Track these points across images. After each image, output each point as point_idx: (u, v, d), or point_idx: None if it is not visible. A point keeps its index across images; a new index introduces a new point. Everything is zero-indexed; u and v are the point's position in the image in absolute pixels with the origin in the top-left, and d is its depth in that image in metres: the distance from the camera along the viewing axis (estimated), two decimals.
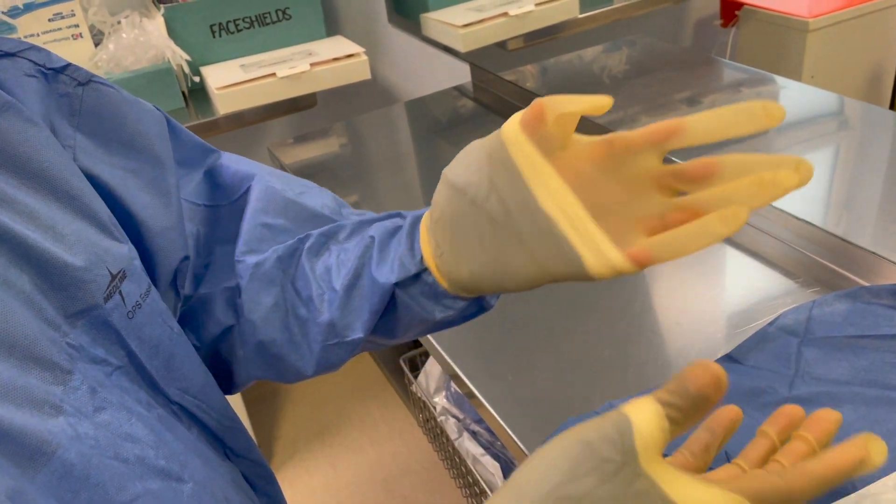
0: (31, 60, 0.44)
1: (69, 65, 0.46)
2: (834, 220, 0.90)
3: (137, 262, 0.45)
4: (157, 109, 0.52)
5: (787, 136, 1.18)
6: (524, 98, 1.38)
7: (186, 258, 0.50)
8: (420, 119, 1.47)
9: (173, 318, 0.47)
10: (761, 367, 0.71)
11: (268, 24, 1.36)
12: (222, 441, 0.49)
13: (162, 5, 1.28)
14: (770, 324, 0.75)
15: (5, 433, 0.32)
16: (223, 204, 0.55)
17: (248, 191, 0.54)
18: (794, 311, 0.76)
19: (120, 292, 0.42)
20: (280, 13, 1.37)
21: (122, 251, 0.43)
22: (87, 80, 0.46)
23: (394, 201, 1.22)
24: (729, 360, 0.73)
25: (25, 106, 0.42)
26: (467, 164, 0.45)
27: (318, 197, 0.56)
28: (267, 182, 0.55)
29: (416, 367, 1.24)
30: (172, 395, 0.45)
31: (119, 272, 0.42)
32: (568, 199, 0.41)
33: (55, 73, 0.45)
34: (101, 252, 0.41)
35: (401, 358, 1.24)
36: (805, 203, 0.93)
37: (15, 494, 0.31)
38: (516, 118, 0.43)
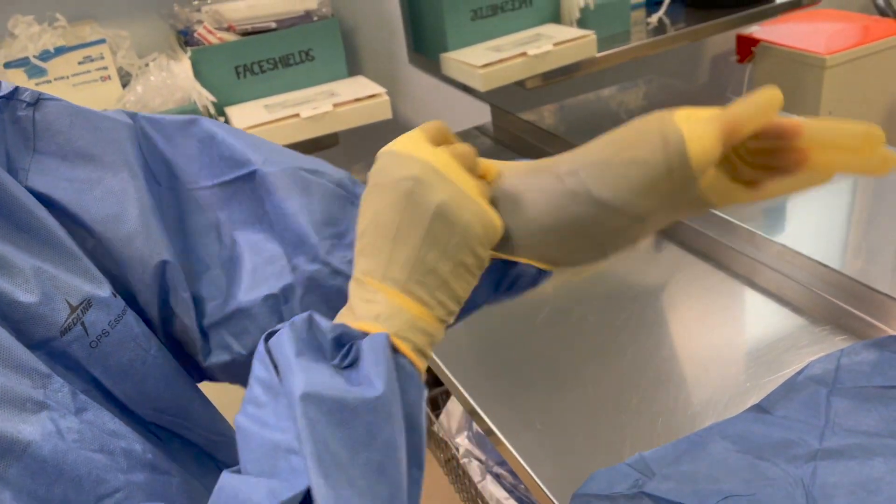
0: None
1: (16, 88, 0.47)
2: (857, 265, 0.91)
3: (103, 292, 0.44)
4: (125, 116, 0.51)
5: None
6: (542, 137, 1.40)
7: (165, 262, 0.48)
8: None
9: (151, 338, 0.47)
10: (791, 417, 0.71)
11: (291, 65, 1.39)
12: (211, 456, 0.50)
13: (189, 48, 1.31)
14: (798, 373, 0.75)
15: None
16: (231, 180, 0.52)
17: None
18: (822, 360, 0.76)
19: (82, 323, 0.42)
20: (303, 54, 1.39)
21: (89, 282, 0.44)
22: (35, 100, 0.47)
23: None
24: (758, 410, 0.73)
25: None
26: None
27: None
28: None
29: (437, 407, 1.24)
30: (146, 416, 0.46)
31: (82, 302, 0.42)
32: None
33: (6, 101, 0.47)
34: (61, 285, 0.42)
35: None
36: (827, 247, 0.94)
37: None
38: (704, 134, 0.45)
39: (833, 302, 0.86)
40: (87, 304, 0.43)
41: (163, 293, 0.49)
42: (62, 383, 0.39)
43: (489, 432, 0.80)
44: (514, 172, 0.49)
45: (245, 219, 0.52)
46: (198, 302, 0.51)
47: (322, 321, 0.39)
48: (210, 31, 1.30)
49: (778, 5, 1.64)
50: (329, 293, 0.49)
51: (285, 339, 0.38)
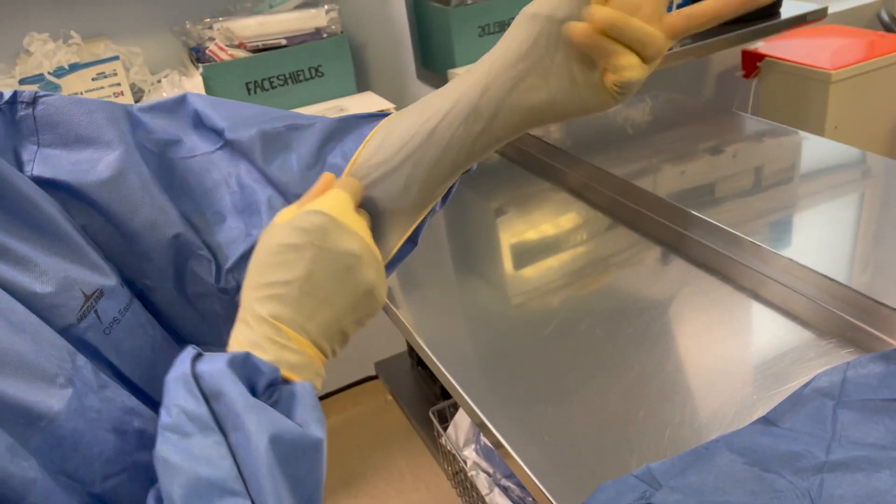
0: None
1: (14, 93, 0.50)
2: (863, 279, 0.91)
3: (114, 282, 0.48)
4: (112, 103, 0.54)
5: (810, 187, 1.19)
6: (548, 151, 1.41)
7: (177, 234, 0.52)
8: None
9: (155, 325, 0.51)
10: (797, 429, 0.72)
11: (301, 81, 1.41)
12: None
13: (200, 64, 1.33)
14: (805, 386, 0.75)
15: (5, 404, 0.36)
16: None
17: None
18: (828, 372, 0.76)
19: (96, 311, 0.45)
20: (313, 71, 1.41)
21: (99, 274, 0.47)
22: (32, 99, 0.51)
23: (420, 245, 1.24)
24: (765, 422, 0.73)
25: None
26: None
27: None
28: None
29: (444, 419, 1.25)
30: (158, 398, 0.47)
31: (94, 292, 0.46)
32: None
33: (8, 106, 0.50)
34: (73, 276, 0.45)
35: (430, 410, 1.24)
36: (833, 261, 0.94)
37: (14, 449, 0.36)
38: None
39: (839, 315, 0.86)
40: (99, 293, 0.46)
41: (179, 259, 0.53)
42: (86, 361, 0.42)
43: (497, 445, 0.81)
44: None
45: (249, 171, 0.56)
46: (216, 251, 0.54)
47: (261, 362, 0.41)
48: (221, 48, 1.32)
49: (783, 21, 1.65)
50: None
51: (227, 377, 0.38)
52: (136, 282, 0.53)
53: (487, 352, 0.95)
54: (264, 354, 0.42)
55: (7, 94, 0.50)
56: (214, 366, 0.39)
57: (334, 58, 1.41)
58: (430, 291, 1.11)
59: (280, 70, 1.38)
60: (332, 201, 0.47)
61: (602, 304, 0.99)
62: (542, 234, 1.22)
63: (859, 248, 1.00)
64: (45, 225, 0.46)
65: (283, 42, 1.35)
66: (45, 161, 0.50)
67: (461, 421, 1.19)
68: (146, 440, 0.43)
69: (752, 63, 1.80)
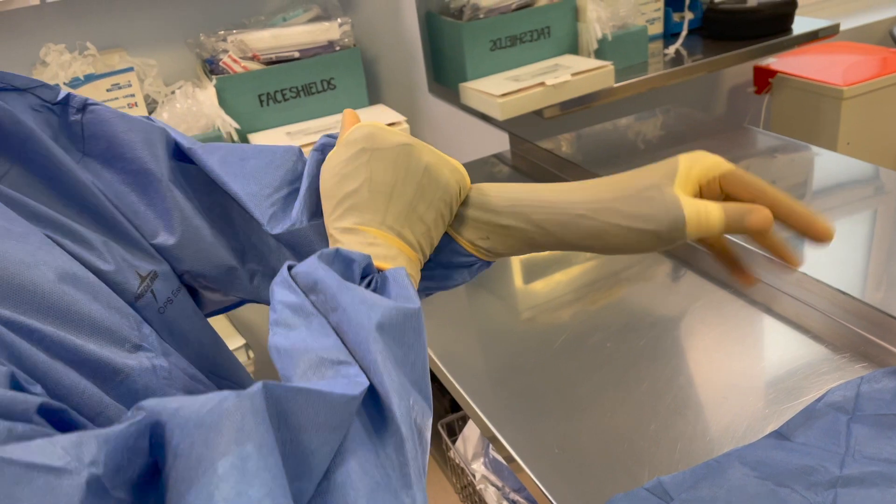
0: (39, 97, 0.51)
1: (69, 95, 0.52)
2: (877, 294, 0.90)
3: (166, 267, 0.50)
4: (150, 120, 0.55)
5: (822, 203, 1.19)
6: (560, 165, 1.41)
7: (233, 268, 0.54)
8: None
9: (200, 313, 0.54)
10: (811, 444, 0.71)
11: (313, 93, 1.41)
12: None
13: (214, 76, 1.34)
14: (818, 400, 0.75)
15: (86, 359, 0.39)
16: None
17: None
18: (841, 387, 0.75)
19: (152, 291, 0.48)
20: (325, 83, 1.42)
21: (151, 259, 0.50)
22: (83, 106, 0.52)
23: None
24: (778, 436, 0.72)
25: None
26: None
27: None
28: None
29: (453, 433, 1.24)
30: (209, 380, 0.50)
31: (149, 273, 0.48)
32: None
33: (61, 107, 0.51)
34: (129, 258, 0.47)
35: (439, 423, 1.24)
36: (846, 276, 0.93)
37: (100, 396, 0.39)
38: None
39: (853, 330, 0.85)
40: (154, 274, 0.48)
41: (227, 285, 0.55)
42: (151, 330, 0.44)
43: (509, 459, 0.80)
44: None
45: None
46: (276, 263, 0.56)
47: (351, 252, 0.43)
48: (235, 60, 1.33)
49: (795, 37, 1.65)
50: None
51: (320, 267, 0.41)
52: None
53: (498, 365, 0.95)
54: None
55: (61, 94, 0.51)
56: (307, 263, 0.41)
57: (346, 71, 1.42)
58: (440, 305, 1.11)
59: (293, 82, 1.39)
60: (366, 122, 0.51)
61: (613, 318, 0.99)
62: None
63: (873, 263, 0.99)
64: (101, 209, 0.48)
65: (296, 55, 1.36)
66: (87, 169, 0.51)
67: (470, 434, 1.18)
68: None
69: (763, 79, 1.80)
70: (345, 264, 0.42)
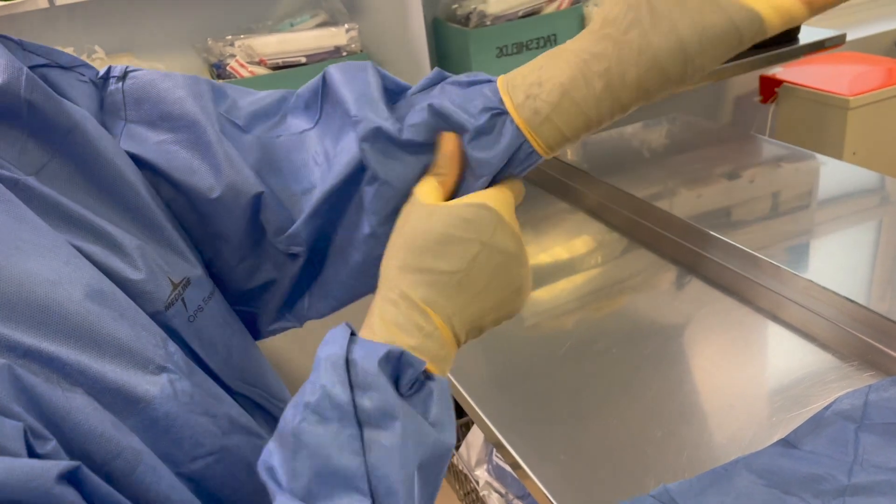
0: (82, 74, 0.50)
1: (109, 68, 0.51)
2: (884, 302, 0.90)
3: (199, 270, 0.49)
4: (197, 78, 0.53)
5: (828, 211, 1.19)
6: (566, 171, 1.41)
7: (259, 194, 0.50)
8: None
9: (232, 314, 0.52)
10: (819, 452, 0.70)
11: None
12: None
13: (221, 80, 1.34)
14: (826, 408, 0.74)
15: (106, 387, 0.38)
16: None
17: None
18: (849, 395, 0.75)
19: (182, 299, 0.46)
20: None
21: (186, 262, 0.48)
22: (123, 74, 0.51)
23: None
24: (785, 444, 0.72)
25: (82, 106, 0.47)
26: None
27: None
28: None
29: (456, 439, 1.24)
30: (235, 387, 0.49)
31: (182, 280, 0.47)
32: None
33: (102, 81, 0.51)
34: (164, 264, 0.46)
35: None
36: (852, 284, 0.93)
37: (118, 425, 0.38)
38: None
39: (860, 338, 0.85)
40: (186, 281, 0.47)
41: (255, 223, 0.52)
42: (176, 347, 0.43)
43: (514, 465, 0.80)
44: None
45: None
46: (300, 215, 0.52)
47: (413, 359, 0.41)
48: (242, 65, 1.34)
49: (801, 47, 1.65)
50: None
51: (379, 374, 0.39)
52: (211, 266, 0.53)
53: (503, 371, 0.95)
54: (409, 338, 0.42)
55: (101, 71, 0.51)
56: (369, 359, 0.39)
57: None
58: None
59: (298, 87, 1.39)
60: (499, 197, 0.46)
61: (618, 325, 0.98)
62: (558, 255, 1.22)
63: (878, 271, 0.99)
64: (139, 207, 0.47)
65: (303, 60, 1.36)
66: (131, 137, 0.50)
67: (474, 440, 1.18)
68: (234, 425, 0.44)
69: (769, 88, 1.81)
70: (402, 367, 0.40)
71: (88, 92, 0.50)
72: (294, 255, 0.53)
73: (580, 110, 0.46)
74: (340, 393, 0.38)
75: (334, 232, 0.53)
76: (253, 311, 0.57)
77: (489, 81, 0.49)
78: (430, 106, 0.48)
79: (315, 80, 0.54)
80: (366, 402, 0.38)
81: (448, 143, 0.48)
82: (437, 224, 0.45)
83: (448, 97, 0.49)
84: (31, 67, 0.47)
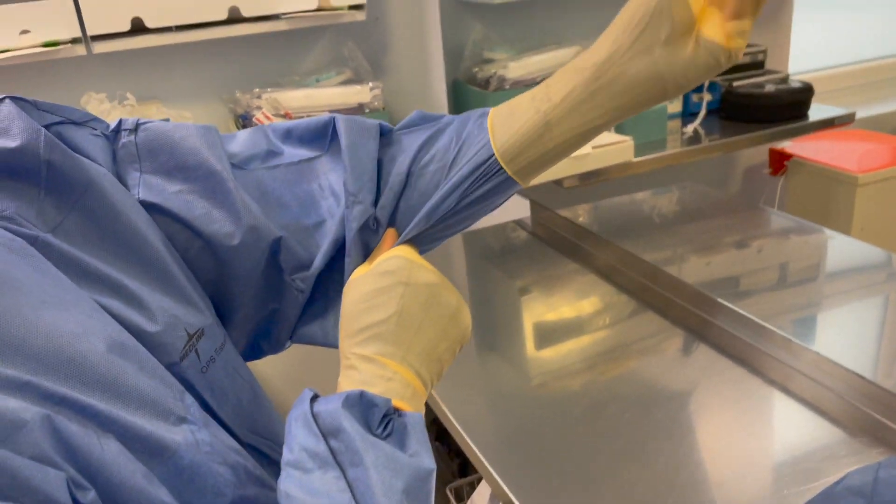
0: (93, 129, 0.52)
1: (120, 121, 0.53)
2: (891, 378, 0.91)
3: (211, 320, 0.51)
4: (208, 127, 0.56)
5: (835, 285, 1.20)
6: (578, 233, 1.43)
7: (278, 238, 0.55)
8: (476, 249, 1.52)
9: (241, 360, 0.54)
10: None
11: None
12: None
13: None
14: (836, 483, 0.74)
15: (136, 435, 0.39)
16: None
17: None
18: (859, 471, 0.75)
19: (196, 350, 0.48)
20: None
21: (199, 314, 0.49)
22: (135, 126, 0.53)
23: None
24: None
25: (97, 161, 0.49)
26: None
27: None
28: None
29: (461, 498, 1.23)
30: (245, 438, 0.50)
31: (197, 331, 0.48)
32: None
33: (114, 134, 0.53)
34: (181, 315, 0.48)
35: (447, 487, 1.23)
36: (860, 358, 0.94)
37: (149, 476, 0.39)
38: None
39: (869, 414, 0.86)
40: (201, 332, 0.48)
41: (272, 265, 0.55)
42: (192, 399, 0.44)
43: None
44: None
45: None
46: (315, 250, 0.56)
47: (374, 396, 0.44)
48: (267, 117, 1.37)
49: (811, 123, 1.69)
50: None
51: (344, 415, 0.42)
52: (219, 305, 0.55)
53: (512, 429, 0.95)
54: (373, 388, 0.45)
55: (113, 125, 0.53)
56: (331, 405, 0.42)
57: None
58: (451, 365, 1.11)
59: None
60: (405, 248, 0.52)
61: (629, 388, 0.99)
62: (567, 315, 1.23)
63: (885, 348, 1.00)
64: (154, 261, 0.48)
65: (327, 114, 1.40)
66: (149, 188, 0.52)
67: (479, 500, 1.17)
68: (249, 476, 0.46)
69: (779, 161, 1.84)
70: (367, 408, 0.43)
71: (101, 145, 0.52)
72: (301, 289, 0.57)
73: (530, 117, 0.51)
74: (314, 443, 0.41)
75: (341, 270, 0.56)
76: (258, 337, 0.60)
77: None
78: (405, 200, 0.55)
79: (316, 122, 0.58)
80: (337, 444, 0.41)
81: (387, 238, 0.55)
82: (362, 287, 0.50)
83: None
84: (47, 126, 0.48)
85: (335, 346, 0.58)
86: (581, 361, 1.08)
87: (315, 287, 0.57)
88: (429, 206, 0.53)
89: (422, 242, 0.55)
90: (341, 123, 0.56)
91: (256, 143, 0.58)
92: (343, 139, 0.55)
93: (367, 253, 0.56)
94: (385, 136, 0.57)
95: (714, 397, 0.96)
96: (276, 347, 0.61)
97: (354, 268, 0.54)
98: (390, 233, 0.55)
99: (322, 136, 0.58)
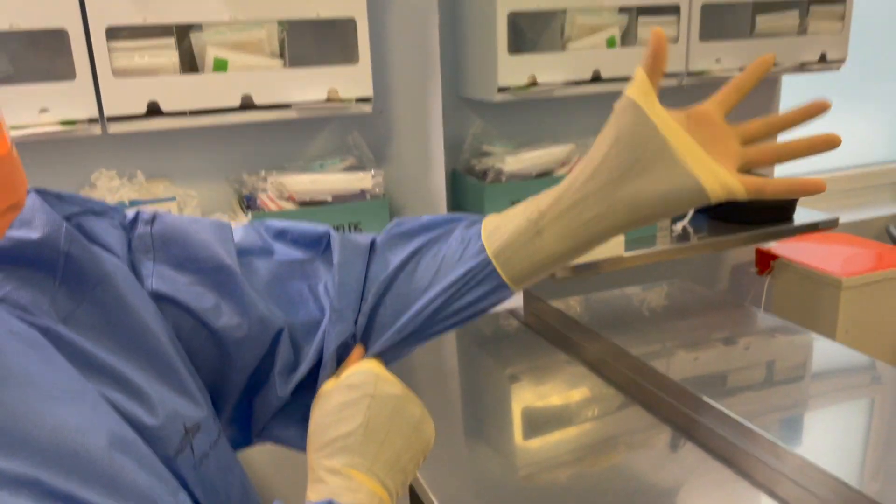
0: (112, 218, 0.55)
1: (138, 212, 0.56)
2: (874, 485, 0.92)
3: (206, 413, 0.52)
4: (221, 223, 0.59)
5: (821, 386, 1.22)
6: (569, 325, 1.46)
7: (281, 330, 0.57)
8: (469, 336, 1.55)
9: (233, 453, 0.55)
10: None
11: None
12: None
13: (250, 211, 1.42)
14: None
15: None
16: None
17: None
18: None
19: (191, 445, 0.49)
20: (352, 227, 1.50)
21: (198, 407, 0.51)
22: (152, 218, 0.56)
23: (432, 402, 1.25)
24: None
25: (114, 250, 0.52)
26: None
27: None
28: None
29: None
30: None
31: (194, 426, 0.49)
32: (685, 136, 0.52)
33: (131, 224, 0.56)
34: (180, 409, 0.49)
35: None
36: (846, 464, 0.95)
37: None
38: (637, 82, 0.53)
39: None
40: (197, 427, 0.50)
41: (269, 357, 0.57)
42: (186, 496, 0.45)
43: None
44: None
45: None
46: (300, 349, 0.59)
47: None
48: (272, 199, 1.42)
49: (796, 227, 1.75)
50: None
51: None
52: (215, 396, 0.57)
53: None
54: (342, 500, 0.47)
55: (131, 215, 0.56)
56: None
57: (374, 217, 1.51)
58: (438, 449, 1.12)
59: (323, 222, 1.47)
60: (371, 362, 0.55)
61: (616, 484, 0.99)
62: (556, 405, 1.24)
63: (870, 454, 1.01)
64: (158, 354, 0.50)
65: (329, 199, 1.45)
66: (162, 278, 0.54)
67: None
68: None
69: (765, 261, 1.89)
70: None
71: (119, 235, 0.54)
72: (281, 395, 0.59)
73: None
74: None
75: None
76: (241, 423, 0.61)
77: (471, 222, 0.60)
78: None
79: (312, 230, 0.62)
80: None
81: (355, 353, 0.58)
82: (330, 401, 0.53)
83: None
84: (69, 216, 0.51)
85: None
86: (568, 453, 1.08)
87: (296, 391, 0.59)
88: (402, 322, 0.57)
89: (389, 355, 0.59)
90: (335, 240, 0.60)
91: (251, 238, 0.61)
92: (336, 256, 0.59)
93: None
94: (372, 248, 0.61)
95: (701, 499, 0.96)
96: (245, 442, 0.62)
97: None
98: (357, 349, 0.58)
99: (316, 243, 0.61)
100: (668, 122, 0.52)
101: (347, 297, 0.58)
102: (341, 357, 0.58)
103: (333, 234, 0.61)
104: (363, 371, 0.54)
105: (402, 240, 0.61)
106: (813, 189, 0.53)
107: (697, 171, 0.51)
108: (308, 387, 0.58)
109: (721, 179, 0.51)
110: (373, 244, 0.61)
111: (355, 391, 0.53)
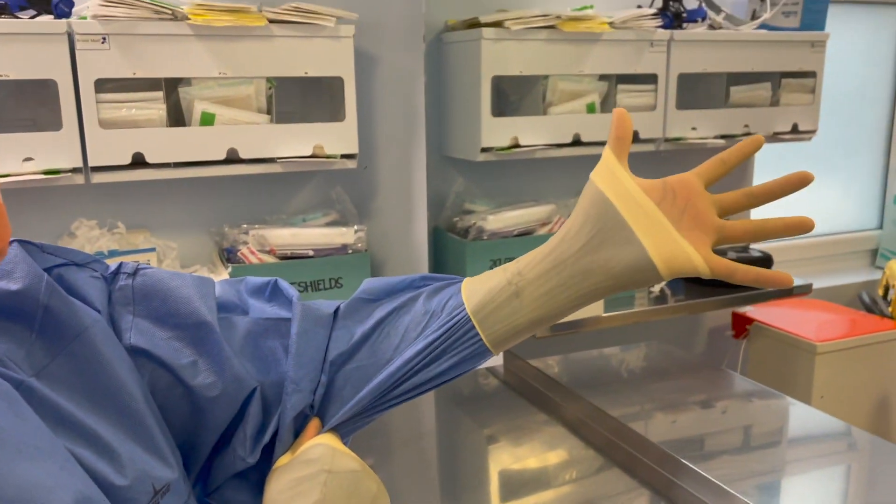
0: (94, 270, 0.55)
1: (120, 264, 0.56)
2: None
3: (177, 474, 0.51)
4: (203, 278, 0.59)
5: (798, 451, 1.22)
6: (548, 384, 1.45)
7: (254, 390, 0.57)
8: (447, 394, 1.53)
9: None
10: None
11: (320, 290, 1.49)
12: None
13: (230, 265, 1.42)
14: None
15: None
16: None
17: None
18: None
19: None
20: (333, 281, 1.50)
21: (168, 468, 0.50)
22: (134, 271, 0.56)
23: (408, 462, 1.24)
24: None
25: (93, 303, 0.52)
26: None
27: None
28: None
29: None
30: None
31: (163, 487, 0.48)
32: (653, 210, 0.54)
33: (112, 276, 0.56)
34: (150, 469, 0.48)
35: None
36: None
37: None
38: (602, 161, 0.56)
39: None
40: (167, 488, 0.49)
41: (240, 414, 0.57)
42: None
43: None
44: None
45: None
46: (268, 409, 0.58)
47: None
48: (252, 252, 1.42)
49: (771, 291, 1.78)
50: None
51: None
52: (185, 454, 0.56)
53: None
54: None
55: (112, 267, 0.56)
56: None
57: (354, 272, 1.51)
58: None
59: (302, 277, 1.47)
60: (328, 436, 0.56)
61: None
62: (533, 468, 1.23)
63: None
64: (131, 412, 0.49)
65: (311, 253, 1.45)
66: (140, 332, 0.54)
67: None
68: None
69: (741, 325, 1.91)
70: None
71: (100, 287, 0.54)
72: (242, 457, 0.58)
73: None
74: None
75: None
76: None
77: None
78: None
79: (285, 290, 0.63)
80: None
81: (311, 427, 0.58)
82: (285, 475, 0.53)
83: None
84: (50, 268, 0.51)
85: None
86: None
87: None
88: (361, 394, 0.57)
89: (347, 427, 0.58)
90: (297, 309, 0.60)
91: (228, 295, 0.61)
92: (295, 326, 0.59)
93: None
94: (336, 316, 0.61)
95: None
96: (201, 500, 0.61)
97: (282, 453, 0.56)
98: (314, 422, 0.58)
99: (290, 304, 0.62)
100: (633, 199, 0.54)
101: (305, 368, 0.58)
102: (299, 428, 0.58)
103: (296, 302, 0.61)
104: (320, 445, 0.54)
105: (367, 307, 0.61)
106: (780, 283, 0.54)
107: (654, 249, 0.53)
108: (266, 452, 0.58)
109: (684, 256, 0.53)
110: (336, 312, 0.62)
111: (312, 466, 0.52)
